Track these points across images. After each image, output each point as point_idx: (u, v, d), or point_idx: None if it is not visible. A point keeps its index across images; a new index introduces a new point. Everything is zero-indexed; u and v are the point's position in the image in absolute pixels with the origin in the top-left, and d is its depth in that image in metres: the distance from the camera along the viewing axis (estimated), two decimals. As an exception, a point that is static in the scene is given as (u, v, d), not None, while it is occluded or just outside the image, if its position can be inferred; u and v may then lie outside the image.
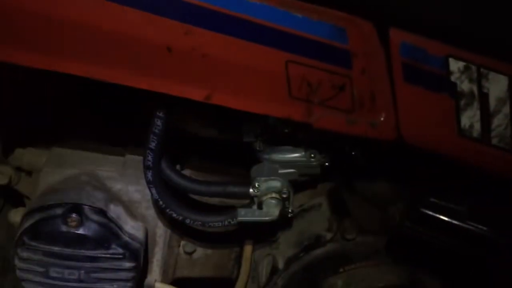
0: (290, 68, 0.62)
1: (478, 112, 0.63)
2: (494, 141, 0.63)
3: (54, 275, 0.76)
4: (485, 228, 0.60)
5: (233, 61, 0.61)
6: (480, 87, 0.62)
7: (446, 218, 0.61)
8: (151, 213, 0.85)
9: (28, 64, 0.60)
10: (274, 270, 0.81)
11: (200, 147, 0.88)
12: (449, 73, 0.61)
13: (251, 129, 0.75)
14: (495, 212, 0.64)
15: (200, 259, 0.91)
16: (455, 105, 0.62)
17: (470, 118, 0.63)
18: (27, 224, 0.76)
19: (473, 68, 0.61)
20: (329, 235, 0.78)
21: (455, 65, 0.61)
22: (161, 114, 0.69)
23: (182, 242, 0.90)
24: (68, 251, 0.74)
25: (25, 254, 0.75)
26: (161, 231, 0.86)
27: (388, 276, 0.71)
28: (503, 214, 0.64)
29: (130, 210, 0.83)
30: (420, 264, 0.73)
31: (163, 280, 0.88)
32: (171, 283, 0.89)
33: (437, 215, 0.62)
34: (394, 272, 0.71)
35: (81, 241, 0.74)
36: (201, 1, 0.58)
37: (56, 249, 0.74)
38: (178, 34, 0.59)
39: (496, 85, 0.62)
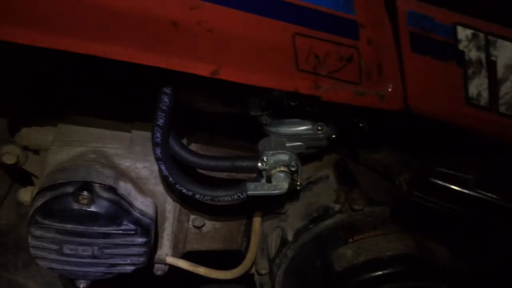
0: (297, 40, 0.61)
1: (485, 80, 0.62)
2: (502, 109, 0.63)
3: (68, 252, 0.77)
4: (494, 196, 0.61)
5: (239, 35, 0.61)
6: (488, 55, 0.61)
7: (454, 187, 0.62)
8: (160, 189, 0.86)
9: (30, 43, 0.60)
10: (283, 242, 0.82)
11: (206, 120, 0.88)
12: (457, 41, 0.61)
13: (258, 102, 0.75)
14: (504, 180, 0.64)
15: (209, 232, 0.93)
16: (462, 74, 0.62)
17: (477, 86, 0.63)
18: (38, 202, 0.76)
19: (481, 35, 0.61)
20: (337, 206, 0.79)
21: (463, 33, 0.61)
22: (167, 90, 0.69)
23: (192, 217, 0.91)
24: (81, 228, 0.75)
25: (38, 232, 0.76)
26: (170, 206, 0.88)
27: (396, 245, 0.72)
28: (511, 182, 0.64)
29: (139, 186, 0.84)
30: (427, 232, 0.74)
31: (174, 254, 0.89)
32: (182, 257, 0.91)
33: (446, 184, 0.62)
34: (402, 240, 0.72)
35: (93, 218, 0.75)
36: (205, -25, 0.57)
37: (69, 226, 0.75)
38: (183, 9, 0.58)
39: (504, 53, 0.61)
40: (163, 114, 0.70)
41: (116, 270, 0.80)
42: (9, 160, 0.88)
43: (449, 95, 0.64)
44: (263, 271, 0.89)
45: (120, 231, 0.76)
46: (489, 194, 0.61)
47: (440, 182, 0.62)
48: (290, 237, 0.81)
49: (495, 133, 0.64)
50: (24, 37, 0.60)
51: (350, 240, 0.73)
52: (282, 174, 0.74)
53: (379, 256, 0.70)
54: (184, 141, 0.87)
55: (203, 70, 0.62)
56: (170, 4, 0.58)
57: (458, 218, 0.64)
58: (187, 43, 0.61)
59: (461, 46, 0.61)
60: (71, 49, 0.61)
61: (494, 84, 0.62)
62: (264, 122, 0.77)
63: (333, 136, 0.77)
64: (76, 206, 0.75)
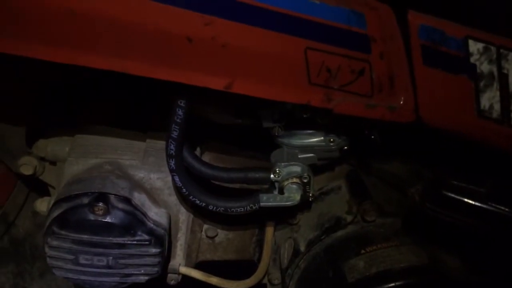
0: (309, 54, 0.62)
1: (497, 93, 0.63)
2: (514, 121, 0.63)
3: (83, 262, 0.78)
4: (506, 209, 0.61)
5: (253, 50, 0.62)
6: (499, 68, 0.62)
7: (467, 200, 0.62)
8: (173, 199, 0.87)
9: (50, 59, 0.61)
10: (295, 253, 0.83)
11: (219, 131, 0.89)
12: (469, 54, 0.61)
13: (270, 115, 0.76)
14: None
15: (222, 242, 0.93)
16: (474, 87, 0.63)
17: (489, 99, 0.63)
18: (55, 213, 0.78)
19: (493, 49, 0.61)
20: (349, 218, 0.79)
21: (474, 47, 0.61)
22: (182, 104, 0.70)
23: (205, 227, 0.92)
24: (96, 238, 0.77)
25: (54, 243, 0.77)
26: (183, 216, 0.89)
27: (408, 257, 0.72)
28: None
29: (153, 197, 0.85)
30: (440, 243, 0.74)
31: (187, 264, 0.90)
32: (195, 267, 0.92)
33: (459, 197, 0.63)
34: (414, 252, 0.73)
35: (108, 228, 0.76)
36: (219, -8, 0.58)
37: (84, 237, 0.77)
38: (198, 25, 0.59)
39: (516, 66, 0.62)
40: (177, 127, 0.71)
41: (130, 280, 0.81)
42: (27, 171, 0.89)
43: (460, 107, 0.64)
44: (276, 281, 0.89)
45: (135, 242, 0.78)
46: (501, 207, 0.61)
47: (452, 195, 0.63)
48: (302, 247, 0.82)
49: (507, 146, 0.64)
50: (42, 52, 0.61)
51: (362, 251, 0.74)
52: (294, 186, 0.75)
53: (391, 267, 0.70)
54: (198, 150, 0.89)
55: (217, 84, 0.64)
56: (185, 20, 0.59)
57: (470, 230, 0.64)
58: (201, 58, 0.62)
59: (472, 59, 0.62)
60: (88, 64, 0.63)
61: (506, 96, 0.63)
62: (276, 134, 0.78)
63: (345, 147, 0.77)
64: (91, 216, 0.76)
